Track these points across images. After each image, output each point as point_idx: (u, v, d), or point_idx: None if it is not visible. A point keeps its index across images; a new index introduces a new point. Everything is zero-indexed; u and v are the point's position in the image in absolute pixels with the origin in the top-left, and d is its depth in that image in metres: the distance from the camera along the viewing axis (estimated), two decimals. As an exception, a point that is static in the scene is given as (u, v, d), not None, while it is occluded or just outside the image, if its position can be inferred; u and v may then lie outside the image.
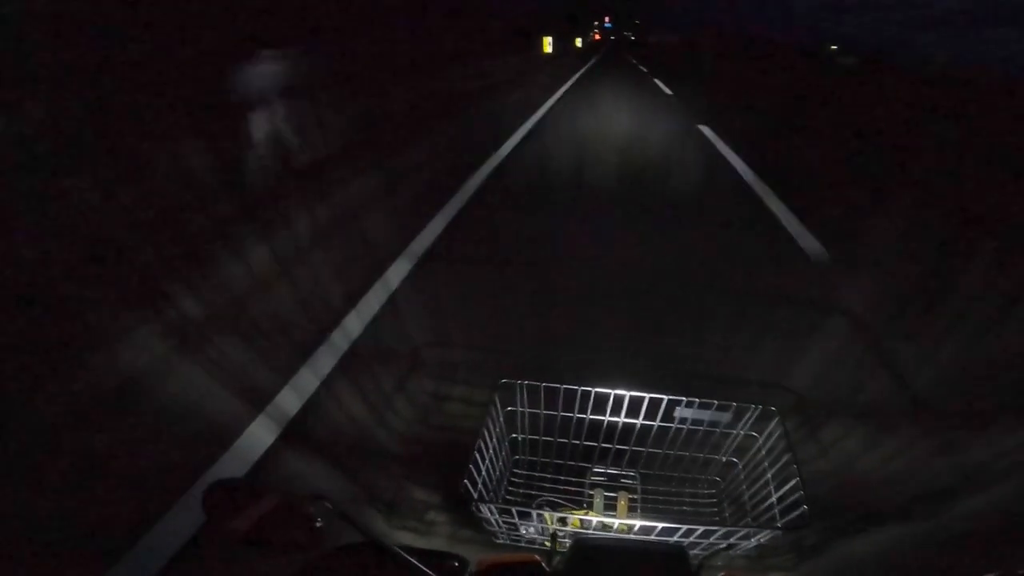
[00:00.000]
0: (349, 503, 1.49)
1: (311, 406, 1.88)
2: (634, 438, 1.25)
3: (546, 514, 0.99)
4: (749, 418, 1.17)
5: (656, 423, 1.19)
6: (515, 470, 1.36)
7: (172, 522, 1.39)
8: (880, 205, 4.37)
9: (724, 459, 1.29)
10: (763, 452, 1.14)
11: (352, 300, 2.55)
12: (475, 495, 0.99)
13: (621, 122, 8.17)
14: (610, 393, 1.13)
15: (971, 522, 1.47)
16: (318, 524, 0.58)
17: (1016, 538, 1.39)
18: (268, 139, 4.51)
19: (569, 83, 12.84)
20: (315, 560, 0.66)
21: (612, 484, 1.34)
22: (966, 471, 1.63)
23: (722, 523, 1.25)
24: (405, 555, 0.64)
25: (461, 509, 1.44)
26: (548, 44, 20.04)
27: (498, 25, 16.71)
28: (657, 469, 1.33)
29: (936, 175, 5.46)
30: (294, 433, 1.75)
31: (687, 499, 1.35)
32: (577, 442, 1.28)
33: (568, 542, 0.91)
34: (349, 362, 2.14)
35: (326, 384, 1.99)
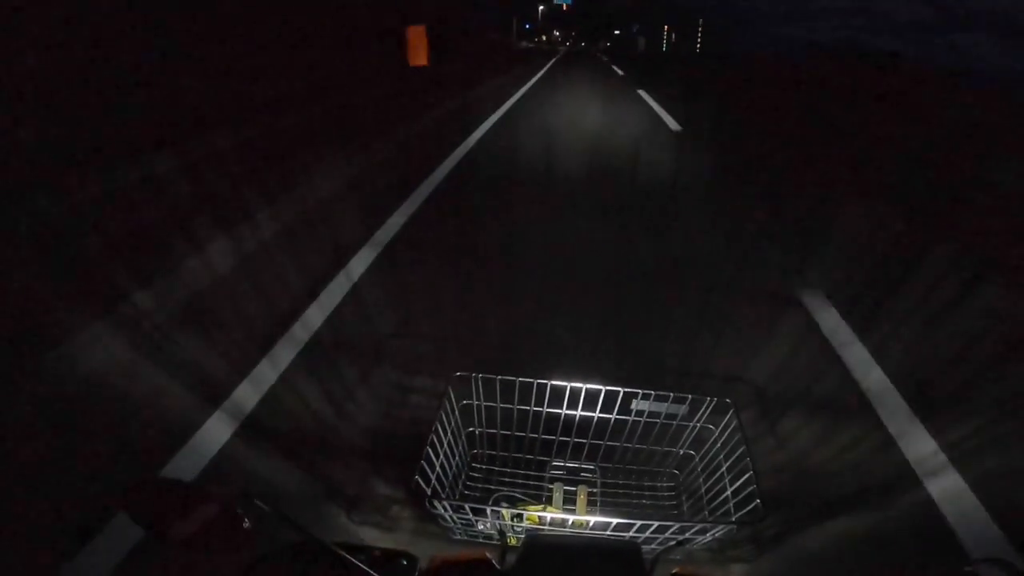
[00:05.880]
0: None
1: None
2: (592, 431, 1.24)
3: (502, 510, 0.98)
4: (705, 410, 1.17)
5: (613, 416, 1.18)
6: (474, 464, 1.33)
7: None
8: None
9: (682, 452, 1.30)
10: (719, 445, 1.15)
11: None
12: (428, 491, 0.97)
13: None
14: (566, 386, 1.11)
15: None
16: (246, 524, 0.55)
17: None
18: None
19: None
20: (248, 561, 0.63)
21: (572, 478, 1.33)
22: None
23: (680, 517, 1.25)
24: (345, 554, 0.61)
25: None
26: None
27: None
28: (616, 462, 1.32)
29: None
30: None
31: (646, 492, 1.35)
32: (535, 435, 1.26)
33: (524, 537, 0.89)
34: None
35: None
